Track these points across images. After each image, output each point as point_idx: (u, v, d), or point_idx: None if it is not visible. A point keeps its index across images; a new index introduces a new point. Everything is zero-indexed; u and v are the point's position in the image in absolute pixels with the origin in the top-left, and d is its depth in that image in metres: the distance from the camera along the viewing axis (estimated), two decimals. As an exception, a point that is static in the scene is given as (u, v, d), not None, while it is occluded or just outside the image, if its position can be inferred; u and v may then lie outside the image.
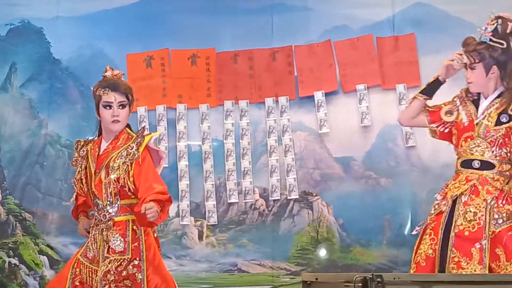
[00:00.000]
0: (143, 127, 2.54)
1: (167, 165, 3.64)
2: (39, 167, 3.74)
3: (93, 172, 2.37)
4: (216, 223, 3.62)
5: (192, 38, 3.76)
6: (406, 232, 3.51)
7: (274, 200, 3.61)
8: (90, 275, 2.33)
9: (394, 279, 1.58)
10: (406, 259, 3.44)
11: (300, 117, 3.67)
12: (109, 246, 2.32)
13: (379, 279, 1.56)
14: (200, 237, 3.62)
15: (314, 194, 3.61)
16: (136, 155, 2.34)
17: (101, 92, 2.38)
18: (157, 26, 3.81)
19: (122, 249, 2.32)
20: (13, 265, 3.63)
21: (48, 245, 3.65)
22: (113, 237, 2.32)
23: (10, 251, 3.66)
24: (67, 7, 3.84)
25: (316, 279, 1.60)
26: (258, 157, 3.66)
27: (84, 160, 2.42)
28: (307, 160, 3.64)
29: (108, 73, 2.46)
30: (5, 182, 3.73)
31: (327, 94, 3.64)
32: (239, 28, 3.76)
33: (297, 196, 3.59)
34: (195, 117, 3.70)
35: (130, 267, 2.31)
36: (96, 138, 2.49)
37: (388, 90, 3.62)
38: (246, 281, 3.54)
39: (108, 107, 2.37)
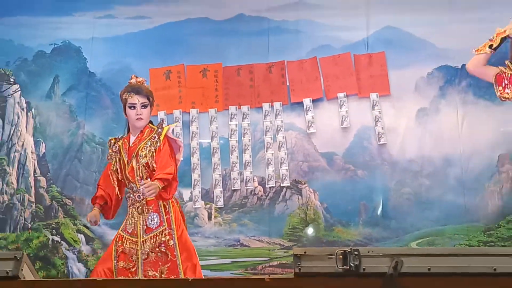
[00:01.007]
0: (162, 120, 2.57)
1: (182, 159, 3.58)
2: (77, 161, 3.70)
3: (126, 162, 2.38)
4: (223, 206, 3.59)
5: (203, 55, 3.75)
6: (378, 214, 3.48)
7: (270, 187, 3.59)
8: (131, 245, 2.32)
9: (369, 252, 1.55)
10: (379, 237, 3.45)
11: (291, 119, 3.64)
12: (146, 226, 2.31)
13: (356, 252, 1.51)
14: (209, 218, 3.59)
15: (303, 183, 3.59)
16: (158, 143, 2.36)
17: (127, 96, 2.39)
18: (174, 46, 3.81)
19: (159, 223, 2.31)
20: (55, 242, 3.59)
21: (84, 225, 3.60)
22: (149, 215, 2.32)
23: (53, 230, 3.61)
24: (101, 30, 3.85)
25: (305, 252, 1.55)
26: (257, 152, 3.63)
27: (118, 154, 2.42)
28: (297, 154, 3.61)
29: (133, 80, 2.48)
30: (49, 173, 3.70)
31: (314, 101, 3.63)
32: (242, 47, 3.76)
33: (289, 184, 3.57)
34: (205, 120, 3.68)
35: (164, 235, 2.30)
36: (125, 135, 2.50)
37: (363, 98, 3.59)
38: (247, 254, 3.51)
39: (132, 108, 2.38)
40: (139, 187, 2.32)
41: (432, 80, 3.59)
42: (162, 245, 2.30)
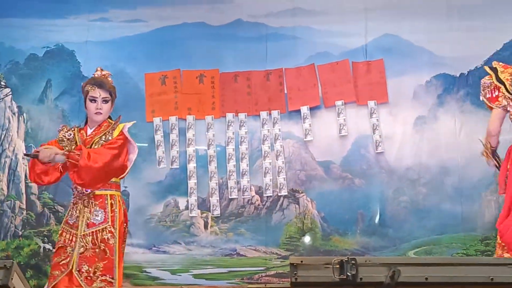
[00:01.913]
0: (119, 116, 2.53)
1: (178, 167, 3.67)
2: None
3: None
4: (219, 215, 3.61)
5: (200, 61, 3.76)
6: (376, 223, 3.53)
7: (267, 196, 3.62)
8: (70, 238, 2.32)
9: (366, 261, 1.60)
10: (376, 246, 3.49)
11: (289, 128, 3.66)
12: (89, 220, 2.31)
13: (353, 262, 1.54)
14: (206, 227, 3.62)
15: (300, 192, 3.63)
16: (110, 138, 2.37)
17: (89, 88, 2.40)
18: (170, 50, 3.81)
19: (103, 219, 2.32)
20: (47, 250, 3.58)
21: (77, 233, 3.65)
22: (94, 210, 2.33)
23: (45, 238, 3.61)
24: (95, 33, 3.84)
25: (302, 261, 1.57)
26: (254, 160, 3.66)
27: (72, 143, 2.40)
28: (294, 163, 3.64)
29: (98, 73, 2.47)
30: (41, 180, 3.75)
31: (311, 109, 3.64)
32: (239, 53, 3.77)
33: (286, 193, 3.60)
34: (202, 127, 3.69)
35: (105, 232, 2.31)
36: (82, 126, 2.50)
37: (361, 105, 3.62)
38: (244, 263, 3.55)
39: (93, 101, 2.40)
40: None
41: (430, 88, 3.64)
42: (102, 242, 2.30)
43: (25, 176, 3.73)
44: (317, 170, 3.63)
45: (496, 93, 2.34)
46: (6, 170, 3.75)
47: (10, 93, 3.86)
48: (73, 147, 2.38)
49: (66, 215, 2.41)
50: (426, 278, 1.57)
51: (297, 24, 3.80)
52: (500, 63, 2.44)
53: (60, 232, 2.40)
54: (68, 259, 2.30)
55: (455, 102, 3.63)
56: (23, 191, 3.72)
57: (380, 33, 3.72)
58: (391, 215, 3.54)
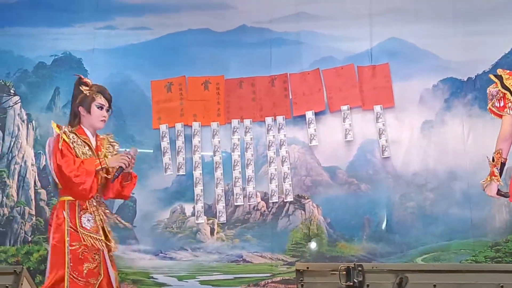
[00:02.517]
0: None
1: (184, 174, 3.69)
2: None
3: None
4: (225, 221, 3.62)
5: (205, 67, 3.78)
6: (382, 229, 3.51)
7: (273, 202, 3.62)
8: (94, 242, 2.32)
9: (373, 268, 1.60)
10: (383, 252, 3.47)
11: (294, 133, 3.67)
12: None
13: (360, 268, 1.56)
14: (212, 233, 3.63)
15: (306, 197, 3.62)
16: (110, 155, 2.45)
17: (95, 95, 2.42)
18: (176, 58, 3.83)
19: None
20: (56, 256, 3.66)
21: (85, 239, 3.68)
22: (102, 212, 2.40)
23: (54, 244, 3.69)
24: (101, 41, 3.88)
25: (308, 268, 1.60)
26: (260, 166, 3.67)
27: (84, 147, 2.38)
28: (300, 169, 3.64)
29: (89, 81, 2.47)
30: (49, 186, 3.71)
31: (316, 114, 3.65)
32: (244, 59, 3.78)
33: (292, 199, 3.60)
34: (207, 133, 3.71)
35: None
36: (69, 127, 2.40)
37: (367, 110, 3.62)
38: (250, 269, 3.55)
39: (100, 108, 2.43)
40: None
41: (437, 92, 3.61)
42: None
43: (34, 182, 3.78)
44: (322, 176, 3.63)
45: (503, 102, 2.31)
46: (16, 176, 3.80)
47: (19, 101, 3.91)
48: (86, 148, 2.39)
49: (77, 220, 2.34)
50: (435, 285, 1.58)
51: (301, 29, 3.79)
52: (506, 70, 2.41)
53: (76, 237, 2.30)
54: (96, 264, 2.30)
55: (463, 107, 3.59)
56: (33, 197, 3.76)
57: (385, 37, 3.71)
58: (398, 220, 3.52)
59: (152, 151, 3.73)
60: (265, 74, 3.75)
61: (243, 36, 3.83)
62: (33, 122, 3.87)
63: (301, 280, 1.58)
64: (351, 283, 1.56)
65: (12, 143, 3.85)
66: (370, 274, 1.58)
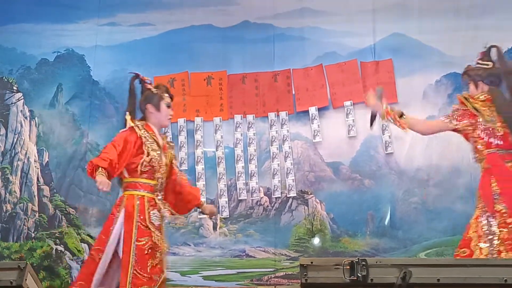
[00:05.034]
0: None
1: (186, 168, 3.69)
2: (81, 170, 3.72)
3: (159, 155, 2.39)
4: (228, 216, 3.62)
5: (208, 63, 3.78)
6: (386, 224, 3.50)
7: (276, 198, 3.62)
8: (158, 241, 2.32)
9: (376, 262, 1.60)
10: (386, 247, 3.46)
11: (297, 129, 3.67)
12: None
13: (364, 263, 1.55)
14: (215, 228, 3.63)
15: (309, 193, 3.62)
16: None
17: (163, 95, 2.50)
18: (178, 53, 3.84)
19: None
20: (59, 252, 3.62)
21: (88, 235, 3.65)
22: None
23: (57, 240, 3.64)
24: (104, 38, 3.88)
25: (312, 263, 1.58)
26: (263, 162, 3.67)
27: (154, 144, 2.38)
28: (303, 164, 3.64)
29: (147, 78, 2.55)
30: (52, 182, 3.75)
31: (319, 109, 3.65)
32: (247, 54, 3.78)
33: (295, 195, 3.60)
34: (210, 128, 3.71)
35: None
36: (139, 122, 2.43)
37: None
38: (253, 264, 3.54)
39: (169, 107, 2.50)
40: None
41: (440, 87, 3.61)
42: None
43: (37, 179, 3.78)
44: (326, 171, 3.63)
45: (467, 119, 2.31)
46: (19, 173, 3.80)
47: (22, 97, 3.92)
48: (155, 144, 2.40)
49: (146, 216, 2.30)
50: (438, 280, 1.57)
51: (304, 24, 3.80)
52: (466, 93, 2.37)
53: (144, 233, 2.27)
54: (158, 261, 2.29)
55: (466, 102, 3.58)
56: (35, 193, 3.76)
57: (388, 32, 3.71)
58: (401, 216, 3.51)
59: (155, 146, 3.73)
60: (268, 69, 3.76)
61: (246, 32, 3.84)
62: (36, 118, 3.87)
63: (305, 274, 1.57)
64: (355, 278, 1.55)
65: (15, 140, 3.86)
66: (374, 269, 1.56)
